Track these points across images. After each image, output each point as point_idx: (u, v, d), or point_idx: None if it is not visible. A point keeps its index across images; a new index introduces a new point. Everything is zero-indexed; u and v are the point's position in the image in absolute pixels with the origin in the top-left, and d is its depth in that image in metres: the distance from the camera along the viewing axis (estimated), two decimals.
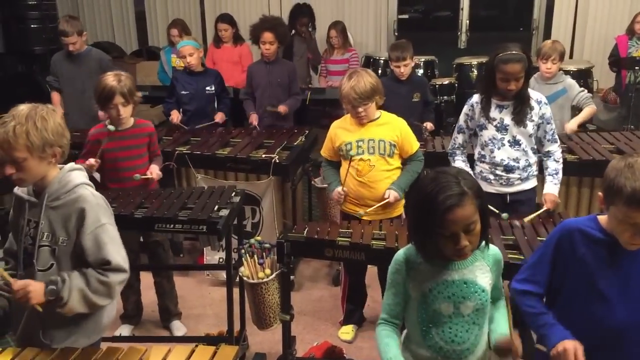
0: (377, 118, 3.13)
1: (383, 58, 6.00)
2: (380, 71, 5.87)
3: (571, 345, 1.78)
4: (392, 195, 3.06)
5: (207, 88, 4.37)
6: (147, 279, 3.50)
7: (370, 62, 6.10)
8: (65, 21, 4.46)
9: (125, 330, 3.43)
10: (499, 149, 3.12)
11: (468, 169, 3.17)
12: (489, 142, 3.14)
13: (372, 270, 3.46)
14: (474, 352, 1.86)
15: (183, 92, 4.35)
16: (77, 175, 2.04)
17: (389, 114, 3.18)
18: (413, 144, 3.17)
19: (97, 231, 1.98)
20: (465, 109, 3.22)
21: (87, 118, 4.41)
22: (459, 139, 3.27)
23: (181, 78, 4.41)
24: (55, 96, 4.64)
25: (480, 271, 1.86)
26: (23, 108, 1.94)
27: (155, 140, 3.37)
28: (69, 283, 1.94)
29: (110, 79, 3.12)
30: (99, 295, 1.97)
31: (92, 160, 3.11)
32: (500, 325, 1.94)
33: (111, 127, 3.17)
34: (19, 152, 1.89)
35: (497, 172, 3.15)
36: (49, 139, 1.92)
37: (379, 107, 3.16)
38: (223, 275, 3.85)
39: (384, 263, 2.49)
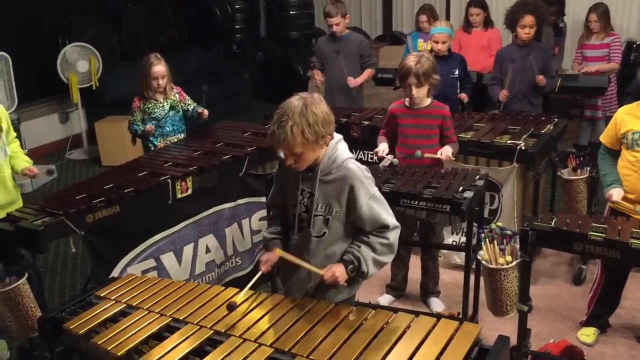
0: None
1: None
2: None
3: None
4: None
5: (452, 72, 4.35)
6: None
7: (632, 49, 5.52)
8: (331, 4, 4.78)
9: (385, 299, 3.58)
10: None
11: None
12: None
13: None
14: None
15: None
16: (343, 150, 2.20)
17: None
18: None
19: (370, 202, 2.16)
20: None
21: (346, 97, 4.70)
22: None
23: None
24: (316, 74, 4.95)
25: None
26: (295, 105, 2.04)
27: (449, 124, 3.33)
28: (363, 257, 2.17)
29: (410, 59, 3.18)
30: (384, 255, 2.22)
31: None
32: None
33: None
34: (298, 149, 2.06)
35: None
36: (320, 131, 2.05)
37: None
38: (455, 258, 3.87)
39: None
